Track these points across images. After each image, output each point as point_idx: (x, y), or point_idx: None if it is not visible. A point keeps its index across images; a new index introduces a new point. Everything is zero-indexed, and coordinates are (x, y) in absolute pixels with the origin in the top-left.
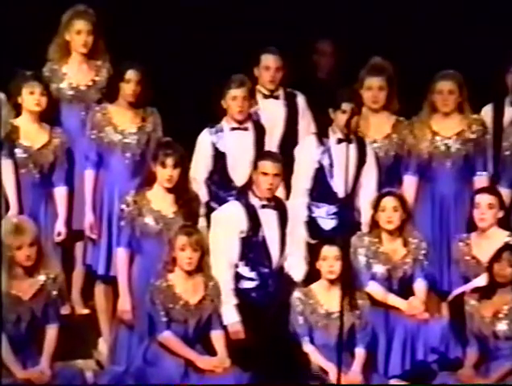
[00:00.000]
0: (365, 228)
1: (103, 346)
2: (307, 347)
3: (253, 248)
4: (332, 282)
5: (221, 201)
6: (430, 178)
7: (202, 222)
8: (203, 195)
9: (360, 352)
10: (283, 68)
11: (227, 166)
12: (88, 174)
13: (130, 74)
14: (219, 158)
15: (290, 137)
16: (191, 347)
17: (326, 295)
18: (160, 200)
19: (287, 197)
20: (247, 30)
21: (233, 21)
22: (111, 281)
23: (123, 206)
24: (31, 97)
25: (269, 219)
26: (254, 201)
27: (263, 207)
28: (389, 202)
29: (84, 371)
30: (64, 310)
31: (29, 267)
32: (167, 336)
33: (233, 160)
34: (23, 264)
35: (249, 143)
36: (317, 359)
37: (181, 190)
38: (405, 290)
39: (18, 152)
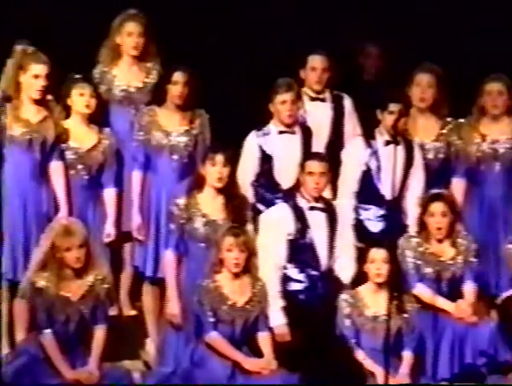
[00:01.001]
0: (412, 230)
1: (150, 347)
2: (355, 350)
3: (301, 250)
4: (379, 285)
5: (268, 203)
6: (478, 180)
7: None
8: (249, 197)
9: (407, 355)
10: (330, 70)
11: (274, 169)
12: (136, 176)
13: (178, 76)
14: (266, 160)
15: (336, 140)
16: (237, 349)
17: (373, 298)
18: (210, 204)
19: (334, 200)
20: (294, 33)
21: (281, 24)
22: (158, 283)
23: (173, 209)
24: (81, 99)
25: (317, 220)
26: (302, 203)
27: (311, 208)
28: (438, 207)
29: (132, 371)
30: (112, 311)
31: (78, 269)
32: (214, 337)
33: (280, 163)
34: (73, 265)
35: (297, 146)
36: (365, 361)
37: (231, 195)
38: (454, 292)
39: (68, 153)
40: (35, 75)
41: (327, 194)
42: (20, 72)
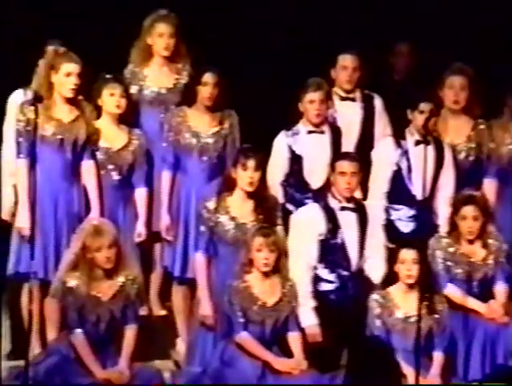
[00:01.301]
0: (443, 230)
1: (181, 346)
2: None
3: (332, 251)
4: (410, 286)
5: (297, 203)
6: (510, 181)
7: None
8: (279, 197)
9: (438, 356)
10: (360, 69)
11: (303, 169)
12: (165, 176)
13: (207, 77)
14: (295, 160)
15: (366, 140)
16: (267, 349)
17: (404, 298)
18: (239, 207)
19: (364, 200)
20: (325, 32)
21: (311, 23)
22: (187, 283)
23: (204, 211)
24: (111, 99)
25: (348, 221)
26: (333, 203)
27: (342, 209)
28: (469, 211)
29: (162, 371)
30: (142, 311)
31: (108, 269)
32: (244, 337)
33: (310, 163)
34: (103, 266)
35: (326, 146)
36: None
37: (261, 197)
38: (485, 293)
39: (98, 153)
40: (66, 74)
41: (357, 194)
42: (52, 72)
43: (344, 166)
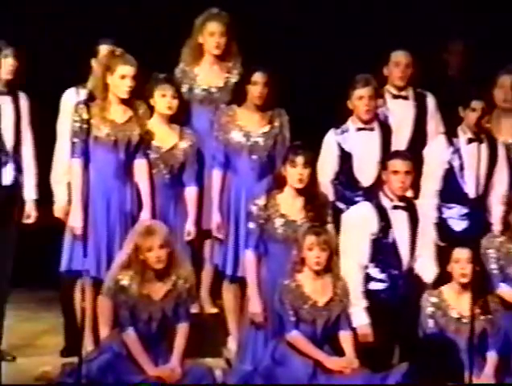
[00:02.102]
0: (496, 229)
1: (232, 344)
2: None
3: (383, 250)
4: (463, 285)
5: (348, 201)
6: None
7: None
8: (329, 195)
9: (492, 356)
10: (413, 66)
11: (353, 167)
12: (216, 175)
13: (257, 76)
14: (345, 158)
15: (418, 138)
16: (319, 348)
17: (457, 298)
18: (290, 204)
19: (416, 198)
20: (377, 30)
21: (363, 21)
22: (238, 281)
23: (254, 209)
24: (163, 100)
25: (399, 220)
26: (385, 202)
27: (394, 207)
28: None
29: (214, 369)
30: (194, 309)
31: (160, 269)
32: (295, 336)
33: (360, 160)
34: (154, 266)
35: (376, 143)
36: None
37: (311, 195)
38: None
39: (150, 153)
40: (122, 76)
41: (408, 193)
42: (107, 74)
43: (398, 164)
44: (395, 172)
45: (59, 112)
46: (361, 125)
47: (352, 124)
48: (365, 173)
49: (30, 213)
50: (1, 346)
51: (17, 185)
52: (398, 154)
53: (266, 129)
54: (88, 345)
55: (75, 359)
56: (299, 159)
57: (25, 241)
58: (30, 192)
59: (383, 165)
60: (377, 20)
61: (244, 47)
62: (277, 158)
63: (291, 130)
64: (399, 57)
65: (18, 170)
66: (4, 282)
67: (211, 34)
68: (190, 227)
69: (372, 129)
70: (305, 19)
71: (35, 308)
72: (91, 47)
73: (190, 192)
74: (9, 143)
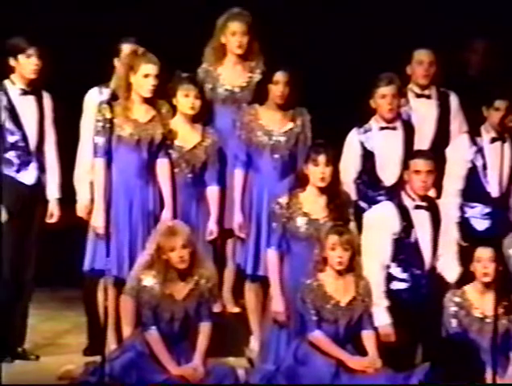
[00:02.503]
0: None
1: (254, 344)
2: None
3: (405, 249)
4: (486, 285)
5: (370, 201)
6: None
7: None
8: (352, 194)
9: None
10: (436, 65)
11: (376, 166)
12: (238, 174)
13: (279, 76)
14: (367, 157)
15: (441, 137)
16: (341, 347)
17: (480, 298)
18: (312, 203)
19: (438, 197)
20: (400, 29)
21: (386, 19)
22: (260, 280)
23: (276, 207)
24: (186, 100)
25: (421, 219)
26: (407, 202)
27: (416, 207)
28: None
29: (236, 368)
30: (216, 308)
31: (183, 269)
32: (317, 335)
33: (382, 160)
34: (177, 266)
35: (398, 143)
36: None
37: (333, 193)
38: None
39: (172, 152)
40: (145, 75)
41: (431, 192)
42: (130, 73)
43: (420, 164)
44: (417, 172)
45: (82, 112)
46: (384, 124)
47: (375, 123)
48: (388, 172)
49: (54, 212)
50: (24, 345)
51: (40, 184)
52: (420, 154)
53: (288, 127)
54: (110, 344)
55: (98, 358)
56: (321, 158)
57: (48, 241)
58: (53, 191)
59: (405, 164)
60: (400, 18)
61: (266, 46)
62: (299, 157)
63: (312, 129)
64: (422, 56)
65: (42, 169)
66: (27, 282)
67: (233, 33)
68: (212, 226)
69: (395, 128)
70: (328, 17)
71: (58, 307)
72: (114, 46)
73: (212, 192)
74: (32, 142)
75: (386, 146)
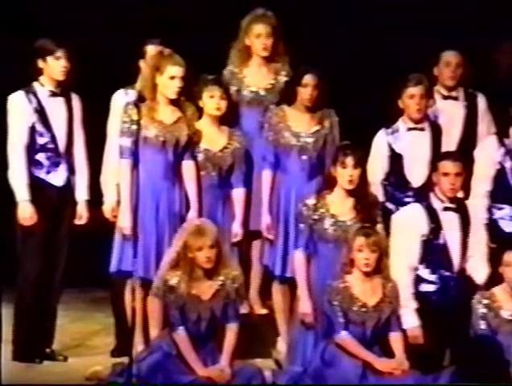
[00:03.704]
0: None
1: (281, 345)
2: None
3: (434, 251)
4: None
5: (398, 202)
6: None
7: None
8: (379, 196)
9: None
10: (464, 66)
11: (403, 167)
12: (266, 176)
13: (308, 78)
14: (395, 158)
15: (468, 139)
16: (368, 349)
17: (509, 300)
18: (340, 205)
19: (467, 198)
20: (427, 32)
21: (414, 20)
22: (288, 282)
23: (303, 209)
24: (211, 101)
25: (450, 221)
26: (436, 203)
27: (445, 209)
28: None
29: (263, 370)
30: (243, 310)
31: (209, 269)
32: (344, 337)
33: (410, 161)
34: (203, 266)
35: (426, 144)
36: None
37: (361, 195)
38: None
39: (198, 154)
40: (171, 77)
41: (459, 193)
42: (157, 74)
43: (448, 166)
44: (446, 174)
45: (109, 113)
46: (412, 125)
47: (402, 124)
48: (416, 173)
49: (82, 214)
50: (53, 346)
51: (69, 186)
52: (448, 156)
53: (316, 129)
54: (138, 345)
55: (125, 359)
56: (349, 160)
57: (76, 242)
58: (82, 193)
59: (434, 166)
60: (427, 19)
61: (291, 47)
62: (326, 159)
63: (340, 130)
64: (450, 57)
65: (71, 170)
66: (56, 283)
67: (257, 36)
68: (237, 228)
69: (422, 129)
70: (353, 18)
71: (86, 308)
72: (139, 47)
73: (238, 194)
74: (62, 144)
75: (414, 147)
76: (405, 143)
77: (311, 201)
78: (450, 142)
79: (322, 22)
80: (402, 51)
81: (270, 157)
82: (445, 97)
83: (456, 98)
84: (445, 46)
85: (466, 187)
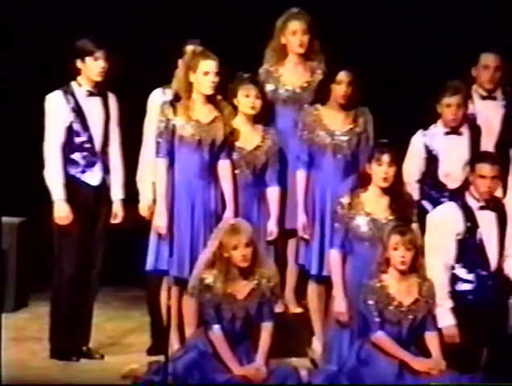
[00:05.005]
0: None
1: (317, 344)
2: None
3: (470, 250)
4: None
5: (433, 201)
6: None
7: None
8: (415, 195)
9: None
10: (502, 69)
11: (439, 170)
12: (300, 175)
13: (342, 76)
14: (431, 160)
15: (507, 138)
16: (405, 348)
17: None
18: (374, 203)
19: (504, 197)
20: (466, 31)
21: (453, 22)
22: (324, 281)
23: (338, 207)
24: (246, 100)
25: (487, 220)
26: (472, 202)
27: (481, 208)
28: None
29: (299, 369)
30: (278, 309)
31: (244, 268)
32: (380, 336)
33: (447, 164)
34: (239, 264)
35: (464, 147)
36: None
37: (396, 194)
38: None
39: (233, 153)
40: (205, 72)
41: (497, 192)
42: (190, 72)
43: (486, 169)
44: (482, 176)
45: (145, 113)
46: (450, 129)
47: (440, 127)
48: (452, 177)
49: (118, 213)
50: (89, 344)
51: (104, 185)
52: (486, 158)
53: (350, 127)
54: (174, 344)
55: (161, 358)
56: (385, 158)
57: (112, 241)
58: (117, 192)
59: (470, 166)
60: (467, 20)
61: (327, 45)
62: (361, 157)
63: (375, 129)
64: (489, 60)
65: (106, 170)
66: (92, 281)
67: (293, 33)
68: (272, 227)
69: (460, 134)
70: (391, 15)
71: (122, 307)
72: (178, 47)
73: (272, 192)
74: (98, 143)
75: (451, 151)
76: (442, 146)
77: (345, 199)
78: (488, 142)
79: (359, 20)
80: (442, 50)
81: (305, 156)
82: (483, 97)
83: (494, 98)
84: (484, 46)
85: (504, 186)
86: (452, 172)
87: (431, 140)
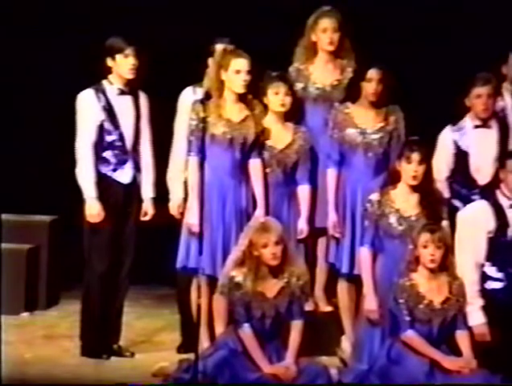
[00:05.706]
0: None
1: (346, 343)
2: None
3: (500, 249)
4: None
5: (464, 199)
6: None
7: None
8: (445, 192)
9: None
10: None
11: (469, 166)
12: (331, 173)
13: (372, 73)
14: (461, 156)
15: None
16: (435, 347)
17: None
18: (404, 200)
19: None
20: (495, 29)
21: (483, 20)
22: (354, 280)
23: (367, 205)
24: (276, 97)
25: None
26: (502, 200)
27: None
28: None
29: (329, 368)
30: (308, 307)
31: (274, 266)
32: (410, 335)
33: (476, 159)
34: (269, 263)
35: (493, 141)
36: None
37: (426, 192)
38: None
39: (264, 152)
40: (236, 71)
41: None
42: (221, 71)
43: None
44: None
45: (176, 111)
46: (479, 123)
47: (469, 121)
48: (482, 172)
49: (148, 211)
50: (120, 342)
51: (135, 183)
52: None
53: (381, 125)
54: (204, 342)
55: (191, 356)
56: (415, 156)
57: (142, 239)
58: (148, 191)
59: (501, 163)
60: (498, 18)
61: (357, 43)
62: (392, 155)
63: (406, 126)
64: None
65: (137, 168)
66: (122, 279)
67: (323, 30)
68: (303, 225)
69: (489, 127)
70: (420, 13)
71: (152, 305)
72: (208, 46)
73: (303, 191)
74: (129, 142)
75: (481, 145)
76: (471, 141)
77: (375, 197)
78: None
79: (389, 18)
80: (472, 48)
81: (335, 155)
82: None
83: None
84: None
85: None
86: (482, 167)
87: (460, 135)
